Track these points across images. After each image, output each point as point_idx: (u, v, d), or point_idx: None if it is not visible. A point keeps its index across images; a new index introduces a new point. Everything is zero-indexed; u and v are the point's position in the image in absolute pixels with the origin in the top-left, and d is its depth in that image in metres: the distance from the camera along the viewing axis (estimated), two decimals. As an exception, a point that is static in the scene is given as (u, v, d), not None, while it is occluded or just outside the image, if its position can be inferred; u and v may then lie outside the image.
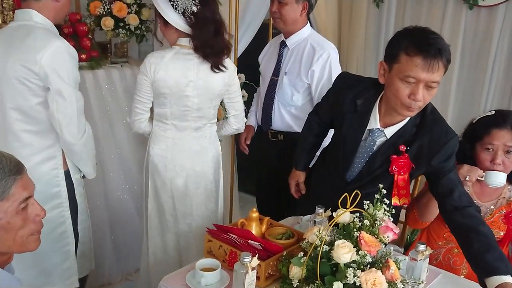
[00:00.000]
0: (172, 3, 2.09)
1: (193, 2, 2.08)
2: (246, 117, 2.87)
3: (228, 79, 2.24)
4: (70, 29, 2.73)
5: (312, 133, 2.22)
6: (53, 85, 1.91)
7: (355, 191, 1.52)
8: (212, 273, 1.57)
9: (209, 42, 2.12)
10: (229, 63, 2.25)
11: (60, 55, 1.92)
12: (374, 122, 1.85)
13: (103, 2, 2.80)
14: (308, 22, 2.65)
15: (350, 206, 1.50)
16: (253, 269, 1.47)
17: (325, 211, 1.80)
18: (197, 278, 1.58)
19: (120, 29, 2.84)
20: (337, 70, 2.53)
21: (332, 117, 2.04)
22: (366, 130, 1.88)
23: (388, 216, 1.60)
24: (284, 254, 1.63)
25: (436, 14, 3.40)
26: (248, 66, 3.17)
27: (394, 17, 3.65)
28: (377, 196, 1.60)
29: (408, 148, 1.82)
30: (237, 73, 3.03)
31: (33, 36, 1.91)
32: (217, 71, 2.18)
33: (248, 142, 2.87)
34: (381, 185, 1.61)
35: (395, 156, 1.82)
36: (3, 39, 1.96)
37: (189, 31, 2.12)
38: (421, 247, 1.62)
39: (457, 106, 3.40)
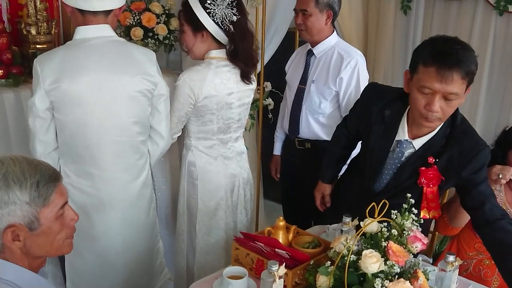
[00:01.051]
0: (208, 11, 2.05)
1: (232, 11, 2.06)
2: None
3: (253, 89, 2.29)
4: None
5: (339, 146, 2.22)
6: (164, 89, 2.04)
7: (383, 200, 1.52)
8: (239, 281, 1.58)
9: (249, 52, 2.15)
10: (252, 75, 2.30)
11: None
12: (402, 133, 1.84)
13: (132, 13, 2.86)
14: (334, 30, 2.66)
15: (378, 216, 1.50)
16: (280, 277, 1.48)
17: (352, 221, 1.80)
18: (224, 286, 1.59)
19: (149, 39, 2.88)
20: (364, 77, 2.54)
21: (360, 129, 2.03)
22: (394, 141, 1.86)
23: (417, 226, 1.59)
24: (311, 263, 1.63)
25: (465, 20, 3.36)
26: (273, 74, 3.19)
27: (422, 24, 3.62)
28: (405, 205, 1.59)
29: (437, 160, 1.79)
30: (264, 81, 3.08)
31: (134, 50, 1.99)
32: (247, 82, 2.21)
33: (278, 175, 2.95)
34: (409, 195, 1.60)
35: (424, 168, 1.80)
36: (98, 56, 1.91)
37: (226, 42, 2.12)
38: (451, 258, 1.59)
39: (486, 113, 3.34)
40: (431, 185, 1.81)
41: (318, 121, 2.63)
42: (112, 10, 1.95)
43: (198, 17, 2.07)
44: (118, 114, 1.95)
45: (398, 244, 1.53)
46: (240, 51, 2.11)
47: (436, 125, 1.76)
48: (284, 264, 1.52)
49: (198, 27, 2.11)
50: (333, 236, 1.88)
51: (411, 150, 1.84)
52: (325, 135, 2.61)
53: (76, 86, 1.87)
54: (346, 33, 3.68)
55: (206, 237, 2.29)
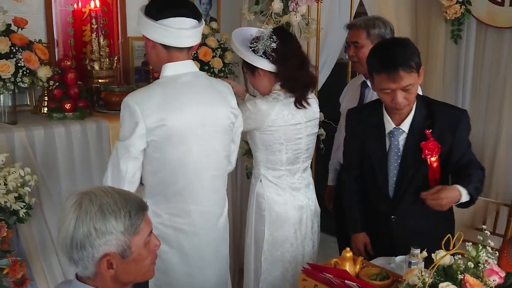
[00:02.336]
0: (252, 49, 2.16)
1: (271, 39, 2.14)
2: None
3: (318, 118, 2.33)
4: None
5: (353, 193, 2.28)
6: (241, 121, 2.07)
7: (458, 232, 1.50)
8: (311, 313, 1.57)
9: (294, 75, 2.16)
10: (314, 97, 2.34)
11: None
12: (389, 124, 2.09)
13: (189, 47, 2.96)
14: None
15: (452, 249, 1.47)
16: (354, 309, 1.46)
17: (420, 252, 1.77)
18: (295, 318, 1.58)
19: (205, 72, 2.98)
20: None
21: (360, 151, 2.19)
22: (386, 135, 2.09)
23: (492, 258, 1.55)
24: (382, 295, 1.61)
25: (518, 48, 3.32)
26: (325, 104, 3.21)
27: (473, 53, 3.59)
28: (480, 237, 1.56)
29: (431, 131, 1.99)
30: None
31: (216, 83, 1.99)
32: (299, 107, 2.19)
33: (332, 205, 2.95)
34: (484, 226, 1.57)
35: (424, 142, 1.99)
36: (195, 92, 1.87)
37: (274, 69, 2.17)
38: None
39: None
40: (434, 154, 1.99)
41: None
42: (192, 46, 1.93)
43: (246, 58, 2.19)
44: (216, 149, 1.94)
45: (474, 277, 1.49)
46: (284, 74, 2.15)
47: (410, 108, 2.03)
48: (357, 295, 1.50)
49: (251, 67, 2.21)
50: (400, 268, 1.85)
51: (403, 136, 2.07)
52: None
53: (180, 122, 1.81)
54: (395, 63, 3.69)
55: (271, 268, 2.28)
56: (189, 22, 1.83)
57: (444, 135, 2.01)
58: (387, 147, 2.09)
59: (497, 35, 3.45)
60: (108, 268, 1.24)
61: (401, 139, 2.07)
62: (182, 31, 1.81)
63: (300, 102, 2.20)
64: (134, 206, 1.26)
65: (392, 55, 1.94)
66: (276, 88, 2.20)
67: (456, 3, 3.49)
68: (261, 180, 2.28)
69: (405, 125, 2.06)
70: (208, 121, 1.88)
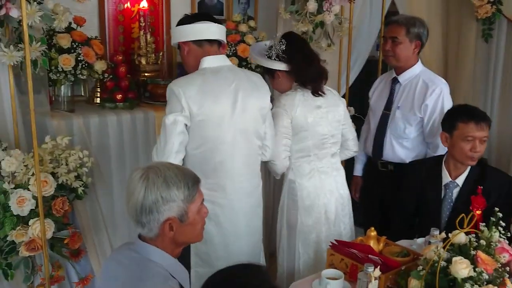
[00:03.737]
0: (267, 55, 2.45)
1: (281, 43, 2.42)
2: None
3: (340, 105, 2.53)
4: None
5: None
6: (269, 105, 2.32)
7: (471, 213, 1.66)
8: (336, 281, 1.76)
9: (302, 68, 2.40)
10: (332, 90, 2.55)
11: None
12: (446, 177, 2.41)
13: (229, 44, 3.17)
14: (419, 60, 2.81)
15: (467, 227, 1.63)
16: (375, 278, 1.64)
17: (439, 233, 1.93)
18: (322, 286, 1.78)
19: (243, 67, 3.18)
20: (449, 104, 2.67)
21: (416, 204, 2.51)
22: (442, 187, 2.39)
23: (504, 238, 1.70)
24: (402, 269, 1.78)
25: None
26: (356, 99, 3.37)
27: (503, 51, 3.66)
28: (492, 219, 1.71)
29: (482, 188, 2.20)
30: (347, 106, 3.27)
31: (250, 74, 2.30)
32: (316, 95, 2.44)
33: (358, 194, 3.11)
34: (496, 208, 1.72)
35: (474, 196, 2.19)
36: (229, 82, 2.15)
37: (289, 68, 2.42)
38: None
39: None
40: (480, 209, 2.16)
41: (402, 145, 2.77)
42: (221, 43, 2.25)
43: (264, 64, 2.49)
44: (249, 131, 2.20)
45: (485, 254, 1.65)
46: (294, 69, 2.40)
47: (475, 163, 2.33)
48: (378, 267, 1.68)
49: (270, 71, 2.49)
50: (421, 249, 2.01)
51: (457, 189, 2.38)
52: (408, 159, 2.74)
53: (217, 107, 2.09)
54: (424, 61, 3.79)
55: (308, 249, 2.48)
56: (212, 24, 2.20)
57: (491, 195, 2.26)
58: (442, 196, 2.41)
59: (528, 33, 3.53)
60: (170, 230, 1.45)
61: (455, 191, 2.39)
62: (210, 25, 2.18)
63: (316, 91, 2.44)
64: (190, 179, 1.48)
65: (474, 108, 2.41)
66: (294, 85, 2.45)
67: (488, 3, 3.56)
68: (292, 168, 2.48)
69: (460, 180, 2.39)
70: (242, 107, 2.14)
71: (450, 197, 2.39)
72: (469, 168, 2.38)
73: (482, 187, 2.20)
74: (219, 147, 2.12)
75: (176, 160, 2.04)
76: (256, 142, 2.24)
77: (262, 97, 2.25)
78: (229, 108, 2.12)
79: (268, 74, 2.52)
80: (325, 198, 2.48)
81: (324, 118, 2.45)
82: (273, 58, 2.43)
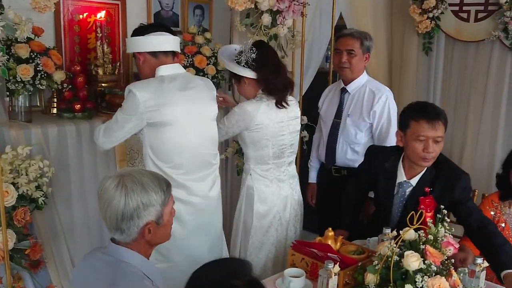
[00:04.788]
0: (236, 61, 2.53)
1: (251, 51, 2.49)
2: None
3: (299, 117, 2.67)
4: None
5: (351, 200, 2.59)
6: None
7: (420, 211, 1.81)
8: (298, 279, 1.87)
9: (270, 78, 2.50)
10: (294, 100, 2.67)
11: None
12: (401, 176, 2.33)
13: (186, 55, 3.24)
14: (365, 70, 3.01)
15: (416, 224, 1.78)
16: (335, 274, 1.76)
17: (391, 232, 2.07)
18: (285, 284, 1.87)
19: (199, 78, 3.26)
20: (394, 109, 2.89)
21: (369, 181, 2.48)
22: (396, 184, 2.33)
23: (449, 233, 1.86)
24: (359, 265, 1.91)
25: (482, 60, 3.69)
26: (307, 109, 3.52)
27: (442, 63, 3.95)
28: (439, 215, 1.87)
29: (431, 189, 2.17)
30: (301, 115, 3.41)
31: (199, 81, 2.44)
32: (280, 107, 2.53)
33: (314, 200, 3.24)
34: (442, 206, 1.89)
35: (422, 197, 2.18)
36: (182, 88, 2.29)
37: (256, 76, 2.50)
38: (479, 260, 1.86)
39: (505, 144, 3.62)
40: (429, 210, 2.16)
41: (354, 150, 2.94)
42: (176, 53, 2.39)
43: (232, 69, 2.55)
44: (206, 132, 2.36)
45: (433, 248, 1.80)
46: (262, 78, 2.50)
47: (430, 164, 2.24)
48: (338, 263, 1.80)
49: (237, 76, 2.56)
50: (374, 247, 2.15)
51: (410, 189, 2.31)
52: (359, 163, 2.90)
53: (174, 111, 2.22)
54: (371, 73, 4.01)
55: (257, 251, 2.58)
56: (167, 35, 2.32)
57: (443, 194, 2.21)
58: (395, 193, 2.35)
59: (464, 48, 3.82)
60: (148, 233, 1.50)
61: (408, 191, 2.32)
62: (164, 37, 2.30)
63: (280, 103, 2.54)
64: (164, 183, 1.55)
65: (433, 106, 2.26)
66: (259, 93, 2.54)
67: (427, 19, 3.85)
68: (251, 174, 2.59)
69: (414, 181, 2.30)
70: (198, 111, 2.30)
71: (402, 196, 2.35)
72: (425, 169, 2.28)
73: (431, 189, 2.17)
74: (177, 148, 2.24)
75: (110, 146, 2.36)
76: (214, 142, 2.41)
77: (214, 101, 2.43)
78: (185, 112, 2.25)
79: (234, 78, 2.60)
80: (281, 205, 2.60)
81: (285, 128, 2.57)
82: (242, 64, 2.50)
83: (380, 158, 2.41)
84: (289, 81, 2.60)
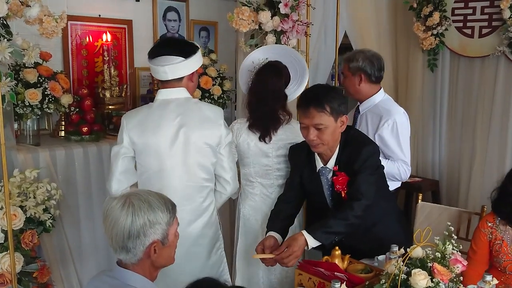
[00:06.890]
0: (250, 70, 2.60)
1: (254, 69, 2.58)
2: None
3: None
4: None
5: (279, 215, 2.39)
6: (226, 138, 2.33)
7: (427, 228, 1.80)
8: (306, 299, 1.85)
9: (252, 107, 2.52)
10: (294, 125, 2.60)
11: None
12: (318, 163, 2.28)
13: (192, 76, 3.27)
14: (381, 88, 2.82)
15: (422, 241, 1.77)
16: (342, 293, 1.74)
17: (398, 249, 2.06)
18: (293, 304, 1.85)
19: (206, 99, 3.29)
20: (403, 133, 2.67)
21: (299, 176, 2.37)
22: (317, 171, 2.27)
23: (457, 250, 1.84)
24: (366, 284, 1.89)
25: (488, 75, 3.68)
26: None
27: (448, 79, 3.94)
28: (446, 232, 1.86)
29: (339, 166, 2.18)
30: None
31: (204, 108, 2.30)
32: (261, 140, 2.54)
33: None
34: (449, 223, 1.87)
35: (334, 177, 2.18)
36: (174, 115, 2.20)
37: (245, 99, 2.59)
38: (488, 278, 1.83)
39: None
40: (345, 188, 2.17)
41: None
42: (183, 76, 2.25)
43: (239, 80, 2.67)
44: (190, 163, 2.22)
45: (441, 265, 1.78)
46: (247, 101, 2.53)
47: (325, 148, 2.18)
48: (345, 282, 1.78)
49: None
50: (382, 265, 2.12)
51: (330, 174, 2.24)
52: None
53: (156, 139, 2.17)
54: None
55: (246, 270, 2.60)
56: (165, 59, 2.18)
57: (349, 167, 2.16)
58: (321, 182, 2.27)
59: (469, 63, 3.82)
60: (154, 253, 1.50)
61: (330, 176, 2.24)
62: (158, 68, 2.20)
63: (263, 137, 2.51)
64: (169, 203, 1.56)
65: (310, 94, 2.16)
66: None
67: (431, 35, 3.86)
68: (240, 194, 2.63)
69: (330, 164, 2.22)
70: (184, 140, 2.20)
71: (327, 183, 2.26)
72: (337, 150, 2.21)
73: (338, 166, 2.16)
74: (157, 175, 2.21)
75: (120, 185, 2.21)
76: (199, 174, 2.27)
77: (212, 130, 2.26)
78: (168, 140, 2.19)
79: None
80: (264, 223, 2.53)
81: (269, 152, 2.53)
82: (248, 79, 2.56)
83: (298, 152, 2.38)
84: (276, 118, 2.51)
